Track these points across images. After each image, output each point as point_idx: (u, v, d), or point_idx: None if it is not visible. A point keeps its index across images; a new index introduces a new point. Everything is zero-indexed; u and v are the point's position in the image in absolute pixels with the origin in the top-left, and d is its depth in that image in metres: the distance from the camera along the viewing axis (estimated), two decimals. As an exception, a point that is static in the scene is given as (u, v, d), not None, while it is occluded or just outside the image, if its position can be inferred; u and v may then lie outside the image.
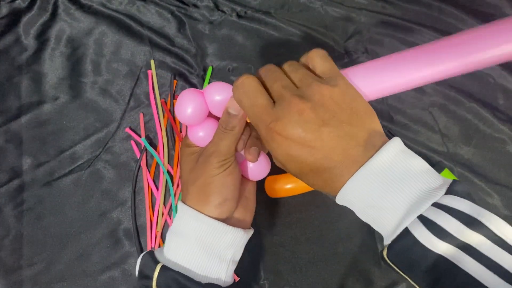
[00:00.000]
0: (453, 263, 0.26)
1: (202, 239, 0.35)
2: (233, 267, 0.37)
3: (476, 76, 0.55)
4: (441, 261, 0.27)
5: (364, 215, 0.31)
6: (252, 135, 0.38)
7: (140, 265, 0.36)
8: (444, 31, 0.56)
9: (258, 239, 0.49)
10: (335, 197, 0.32)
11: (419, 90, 0.54)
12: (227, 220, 0.37)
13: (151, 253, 0.36)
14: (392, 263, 0.30)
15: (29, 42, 0.55)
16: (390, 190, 0.29)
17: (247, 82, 0.33)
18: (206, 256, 0.35)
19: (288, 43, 0.56)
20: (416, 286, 0.30)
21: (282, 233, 0.50)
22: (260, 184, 0.42)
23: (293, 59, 0.55)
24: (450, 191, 0.28)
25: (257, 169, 0.40)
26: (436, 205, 0.28)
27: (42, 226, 0.50)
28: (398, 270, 0.30)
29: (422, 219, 0.28)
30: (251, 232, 0.39)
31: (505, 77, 0.55)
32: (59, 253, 0.49)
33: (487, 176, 0.51)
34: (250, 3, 0.57)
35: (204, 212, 0.36)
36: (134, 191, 0.51)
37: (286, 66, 0.34)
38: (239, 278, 0.48)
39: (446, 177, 0.43)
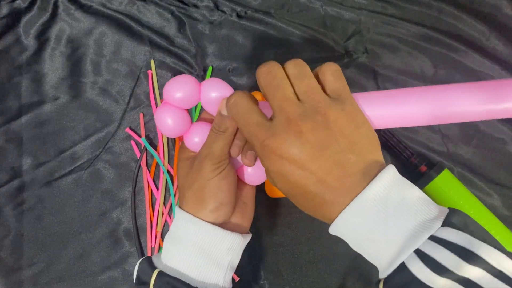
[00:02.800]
0: None
1: (200, 244, 0.35)
2: (231, 272, 0.37)
3: (476, 76, 0.55)
4: None
5: (358, 247, 0.30)
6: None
7: (137, 271, 0.36)
8: (444, 31, 0.56)
9: (258, 239, 0.49)
10: (327, 224, 0.31)
11: (419, 90, 0.54)
12: (224, 225, 0.36)
13: (149, 259, 0.36)
14: None
15: (29, 42, 0.55)
16: (385, 222, 0.28)
17: (240, 100, 0.32)
18: (203, 262, 0.35)
19: (288, 43, 0.56)
20: None
21: (282, 233, 0.50)
22: (260, 184, 0.42)
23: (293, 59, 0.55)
24: (446, 223, 0.27)
25: (255, 173, 0.39)
26: (433, 238, 0.27)
27: (42, 226, 0.50)
28: None
29: (419, 253, 0.27)
30: (249, 237, 0.38)
31: (505, 77, 0.55)
32: (59, 253, 0.49)
33: (487, 176, 0.51)
34: (250, 3, 0.57)
35: (200, 217, 0.35)
36: (134, 191, 0.51)
37: (291, 68, 0.31)
38: (239, 278, 0.48)
39: (444, 183, 0.43)
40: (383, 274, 0.29)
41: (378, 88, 0.54)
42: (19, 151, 0.52)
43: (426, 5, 0.57)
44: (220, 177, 0.35)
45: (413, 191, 0.29)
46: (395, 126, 0.34)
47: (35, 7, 0.56)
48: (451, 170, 0.50)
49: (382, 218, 0.28)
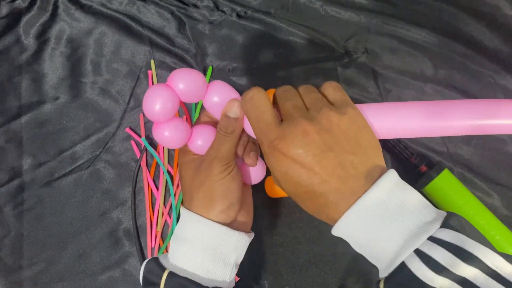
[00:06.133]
0: None
1: (208, 244, 0.35)
2: (235, 270, 0.37)
3: (476, 76, 0.55)
4: None
5: (359, 248, 0.31)
6: (250, 140, 0.38)
7: (144, 272, 0.36)
8: (444, 31, 0.56)
9: (258, 239, 0.49)
10: (326, 224, 0.32)
11: (419, 90, 0.54)
12: (230, 225, 0.37)
13: (156, 259, 0.36)
14: None
15: (29, 42, 0.55)
16: (387, 224, 0.29)
17: (257, 96, 0.33)
18: (211, 261, 0.35)
19: (288, 43, 0.56)
20: None
21: (282, 233, 0.50)
22: (260, 184, 0.42)
23: (293, 59, 0.55)
24: (444, 225, 0.28)
25: (255, 173, 0.40)
26: (432, 239, 0.28)
27: (42, 226, 0.50)
28: None
29: (418, 253, 0.28)
30: (252, 235, 0.39)
31: (505, 77, 0.55)
32: (59, 253, 0.49)
33: (487, 176, 0.51)
34: (250, 3, 0.57)
35: (209, 218, 0.36)
36: (134, 191, 0.51)
37: (301, 88, 0.35)
38: (239, 278, 0.48)
39: (444, 183, 0.44)
40: (383, 273, 0.30)
41: (378, 88, 0.54)
42: (19, 151, 0.52)
43: (426, 5, 0.57)
44: (230, 177, 0.36)
45: (413, 195, 0.30)
46: (394, 137, 0.36)
47: (35, 7, 0.56)
48: (451, 170, 0.50)
49: (383, 220, 0.29)
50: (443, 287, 0.26)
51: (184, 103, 0.51)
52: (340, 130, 0.31)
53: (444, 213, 0.30)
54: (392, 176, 0.30)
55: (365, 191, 0.29)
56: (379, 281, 0.30)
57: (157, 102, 0.35)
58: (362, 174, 0.30)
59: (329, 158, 0.30)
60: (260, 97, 0.33)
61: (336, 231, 0.31)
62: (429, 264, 0.27)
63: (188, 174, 0.38)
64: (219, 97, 0.36)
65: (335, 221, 0.31)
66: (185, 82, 0.35)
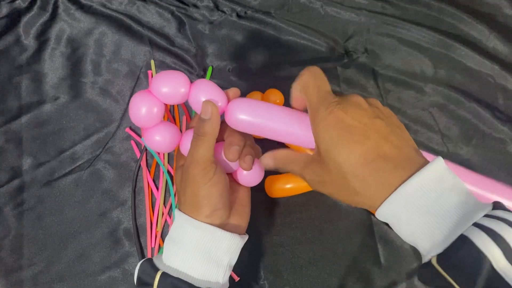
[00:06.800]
0: (507, 283, 0.25)
1: (200, 245, 0.35)
2: (229, 271, 0.37)
3: (476, 76, 0.55)
4: (496, 278, 0.26)
5: (409, 225, 0.30)
6: (246, 144, 0.37)
7: (138, 273, 0.36)
8: (444, 31, 0.56)
9: (258, 239, 0.49)
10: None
11: (419, 90, 0.54)
12: (222, 226, 0.36)
13: (150, 261, 0.36)
14: (445, 271, 0.28)
15: (29, 42, 0.55)
16: (443, 197, 0.28)
17: (318, 71, 0.35)
18: (204, 262, 0.35)
19: (288, 43, 0.56)
20: None
21: (282, 233, 0.50)
22: (260, 184, 0.42)
23: (293, 59, 0.55)
24: (497, 207, 0.28)
25: (251, 176, 0.39)
26: (489, 216, 0.27)
27: (42, 226, 0.50)
28: (450, 280, 0.28)
29: (478, 226, 0.27)
30: (246, 237, 0.39)
31: (505, 77, 0.55)
32: (59, 253, 0.49)
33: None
34: (250, 3, 0.57)
35: (198, 220, 0.36)
36: (134, 191, 0.51)
37: None
38: (239, 278, 0.48)
39: None
40: (435, 251, 0.29)
41: (378, 88, 0.54)
42: (19, 151, 0.52)
43: (426, 5, 0.57)
44: (211, 183, 0.35)
45: (461, 181, 0.30)
46: None
47: (35, 7, 0.56)
48: (451, 170, 0.50)
49: (440, 194, 0.29)
50: (498, 265, 0.26)
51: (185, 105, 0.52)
52: (386, 111, 0.33)
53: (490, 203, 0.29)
54: (442, 160, 0.30)
55: (421, 163, 0.30)
56: (427, 262, 0.29)
57: (142, 109, 0.35)
58: (412, 147, 0.31)
59: (381, 124, 0.31)
60: (320, 72, 0.35)
61: (388, 206, 0.30)
62: (489, 233, 0.26)
63: (178, 177, 0.39)
64: (202, 95, 0.35)
65: (384, 198, 0.30)
66: (167, 84, 0.35)
